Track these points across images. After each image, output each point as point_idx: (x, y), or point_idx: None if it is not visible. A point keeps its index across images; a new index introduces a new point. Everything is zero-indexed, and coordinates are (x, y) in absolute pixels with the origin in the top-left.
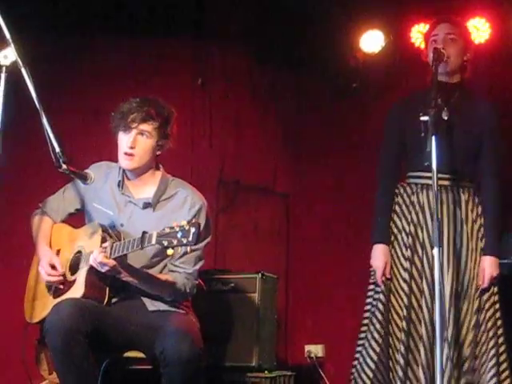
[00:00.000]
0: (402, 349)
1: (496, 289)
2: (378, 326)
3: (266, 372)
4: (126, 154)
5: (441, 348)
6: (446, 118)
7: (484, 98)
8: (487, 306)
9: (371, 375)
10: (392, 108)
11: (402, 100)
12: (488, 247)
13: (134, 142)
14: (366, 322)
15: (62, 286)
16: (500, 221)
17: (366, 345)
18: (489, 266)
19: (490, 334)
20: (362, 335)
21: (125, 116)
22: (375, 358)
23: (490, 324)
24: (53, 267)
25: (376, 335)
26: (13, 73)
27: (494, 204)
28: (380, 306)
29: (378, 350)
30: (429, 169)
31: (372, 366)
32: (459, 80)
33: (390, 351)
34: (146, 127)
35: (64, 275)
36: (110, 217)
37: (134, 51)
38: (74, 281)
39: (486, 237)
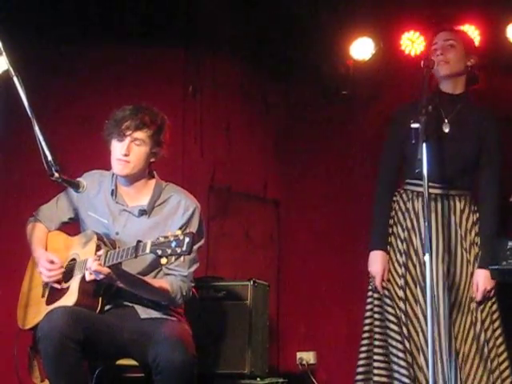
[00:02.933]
0: (401, 354)
1: (494, 305)
2: (394, 335)
3: (258, 379)
4: (119, 159)
5: (433, 359)
6: (447, 130)
7: (487, 109)
8: (486, 324)
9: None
10: (394, 115)
11: (404, 106)
12: (482, 260)
13: (128, 149)
14: (367, 328)
15: (58, 286)
16: (496, 235)
17: (393, 355)
18: (482, 280)
19: (490, 351)
20: (365, 342)
21: (118, 123)
22: (405, 364)
23: (491, 343)
24: (51, 262)
25: (398, 344)
26: (4, 82)
27: (491, 217)
28: (390, 314)
29: (402, 355)
30: (421, 176)
31: (406, 373)
32: (463, 91)
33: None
34: (140, 135)
35: (64, 268)
36: (105, 225)
37: (125, 60)
38: (68, 288)
39: (482, 249)
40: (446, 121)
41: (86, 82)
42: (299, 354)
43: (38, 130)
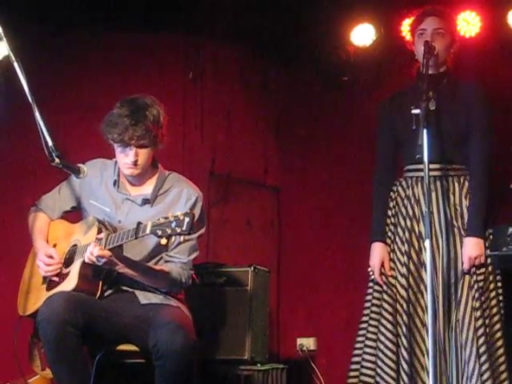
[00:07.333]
0: (405, 342)
1: (481, 276)
2: (389, 326)
3: (258, 365)
4: (128, 164)
5: (433, 340)
6: (433, 108)
7: (470, 81)
8: (476, 295)
9: (395, 376)
10: (380, 105)
11: (389, 98)
12: (469, 228)
13: (136, 155)
14: (365, 319)
15: (56, 279)
16: (485, 203)
17: (382, 347)
18: (469, 248)
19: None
20: (362, 332)
21: (122, 134)
22: (395, 358)
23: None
24: (50, 257)
25: (390, 335)
26: (5, 67)
27: (479, 187)
28: (387, 306)
29: (394, 349)
30: (421, 161)
31: (394, 366)
32: (445, 69)
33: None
34: (144, 141)
35: (62, 263)
36: (107, 213)
37: (127, 46)
38: (68, 273)
39: (469, 218)
40: (433, 99)
41: (88, 68)
42: (299, 340)
43: (39, 115)
